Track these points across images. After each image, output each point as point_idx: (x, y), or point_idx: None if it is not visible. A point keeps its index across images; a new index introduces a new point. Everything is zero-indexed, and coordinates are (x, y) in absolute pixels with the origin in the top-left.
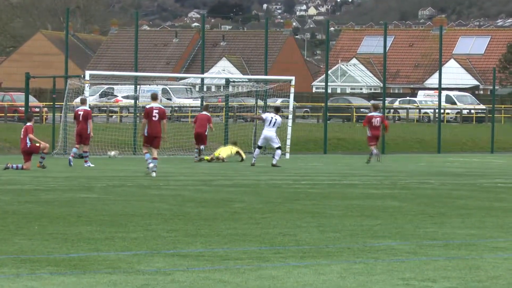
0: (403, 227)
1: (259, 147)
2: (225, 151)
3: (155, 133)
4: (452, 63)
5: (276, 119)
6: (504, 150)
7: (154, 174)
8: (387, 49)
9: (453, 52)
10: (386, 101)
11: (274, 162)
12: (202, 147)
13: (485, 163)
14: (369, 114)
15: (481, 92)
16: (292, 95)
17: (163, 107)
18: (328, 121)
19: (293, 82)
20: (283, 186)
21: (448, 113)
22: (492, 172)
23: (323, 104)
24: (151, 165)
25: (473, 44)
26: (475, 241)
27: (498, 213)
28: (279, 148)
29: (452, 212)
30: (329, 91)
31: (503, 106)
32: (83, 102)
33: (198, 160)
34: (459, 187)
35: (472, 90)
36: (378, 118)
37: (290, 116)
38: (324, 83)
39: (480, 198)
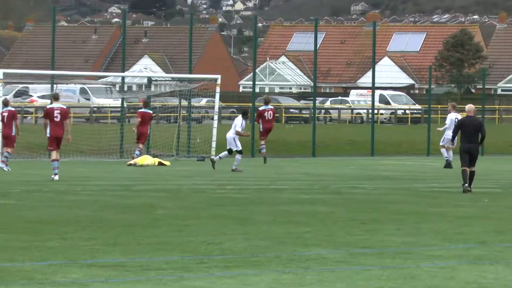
0: (334, 234)
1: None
2: (148, 161)
3: (58, 134)
4: (386, 61)
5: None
6: (440, 153)
7: (56, 177)
8: (318, 46)
9: (387, 50)
10: (316, 101)
11: (234, 167)
12: (140, 147)
13: (420, 166)
14: (261, 109)
15: (417, 91)
16: (217, 95)
17: (65, 107)
18: (256, 123)
19: (219, 81)
20: (207, 191)
21: (382, 114)
22: (428, 176)
23: (250, 104)
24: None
25: (408, 41)
26: (410, 249)
27: (434, 218)
28: (240, 152)
29: (385, 218)
30: (257, 90)
31: (439, 106)
32: (6, 103)
33: (133, 163)
34: (393, 191)
35: (407, 89)
36: (270, 112)
37: (216, 117)
38: (251, 82)
39: (415, 203)
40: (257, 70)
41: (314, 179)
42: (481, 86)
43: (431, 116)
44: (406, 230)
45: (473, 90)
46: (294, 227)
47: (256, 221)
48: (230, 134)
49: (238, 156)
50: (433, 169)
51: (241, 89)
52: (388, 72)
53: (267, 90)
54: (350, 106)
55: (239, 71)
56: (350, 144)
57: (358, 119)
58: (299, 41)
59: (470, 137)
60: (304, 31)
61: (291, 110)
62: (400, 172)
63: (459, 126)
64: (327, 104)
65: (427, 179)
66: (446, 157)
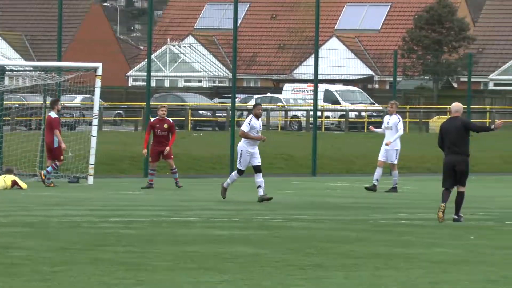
0: (260, 285)
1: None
2: None
3: None
4: (334, 44)
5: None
6: (409, 171)
7: None
8: (239, 22)
9: (335, 28)
10: (237, 100)
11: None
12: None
13: (382, 190)
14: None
15: (377, 85)
16: (98, 91)
17: None
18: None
19: (99, 72)
20: (83, 225)
21: (327, 117)
22: (393, 203)
23: (143, 104)
24: None
25: (365, 15)
26: None
27: (400, 263)
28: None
29: (332, 262)
30: (153, 84)
31: (408, 106)
32: None
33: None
34: (343, 225)
35: (363, 83)
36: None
37: (95, 122)
38: (145, 73)
39: (374, 242)
40: (153, 56)
41: (234, 208)
42: (467, 79)
43: None
44: (361, 279)
45: (455, 84)
46: (204, 275)
47: (153, 267)
48: (241, 144)
49: (233, 174)
50: (400, 194)
51: (130, 83)
52: (336, 59)
53: (167, 84)
54: (284, 106)
55: (127, 57)
56: (283, 160)
57: (294, 125)
58: (212, 15)
59: (453, 146)
60: (219, 1)
61: (200, 112)
62: (354, 198)
63: (440, 133)
64: (251, 103)
65: (391, 208)
66: (376, 179)
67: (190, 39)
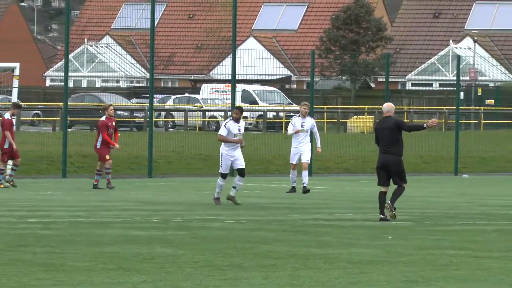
0: (179, 286)
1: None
2: None
3: None
4: (251, 44)
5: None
6: (327, 172)
7: None
8: (156, 22)
9: (253, 28)
10: (154, 100)
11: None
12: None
13: (299, 190)
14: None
15: (294, 86)
16: (15, 91)
17: None
18: (69, 129)
19: (17, 72)
20: (2, 226)
21: (245, 117)
22: (311, 203)
23: (61, 104)
24: None
25: (282, 15)
26: None
27: (319, 263)
28: (222, 175)
29: (251, 263)
30: (71, 84)
31: (325, 106)
32: None
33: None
34: (262, 225)
35: (281, 83)
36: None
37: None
38: (63, 73)
39: (292, 242)
40: (70, 56)
41: (152, 208)
42: (384, 79)
43: (316, 120)
44: (279, 280)
45: (372, 85)
46: (123, 275)
47: (71, 268)
48: (222, 147)
49: (219, 181)
50: (318, 194)
51: (48, 83)
52: (254, 60)
53: (85, 84)
54: (202, 107)
55: (45, 57)
56: (201, 160)
57: (212, 125)
58: (129, 15)
59: (386, 146)
60: (136, 1)
61: (118, 112)
62: (272, 199)
63: (375, 133)
64: (169, 104)
65: (309, 208)
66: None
67: (107, 39)
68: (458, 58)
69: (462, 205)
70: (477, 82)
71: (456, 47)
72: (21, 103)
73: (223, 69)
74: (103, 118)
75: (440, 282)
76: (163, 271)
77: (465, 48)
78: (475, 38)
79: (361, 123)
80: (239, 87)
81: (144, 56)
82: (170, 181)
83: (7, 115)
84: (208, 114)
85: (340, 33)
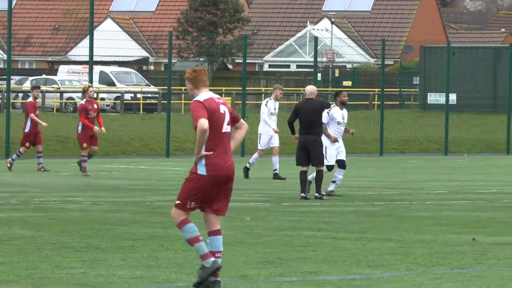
0: (37, 268)
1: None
2: None
3: None
4: (109, 25)
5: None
6: (184, 153)
7: None
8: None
9: (110, 9)
10: (12, 81)
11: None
12: None
13: (158, 172)
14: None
15: (152, 67)
16: None
17: None
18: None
19: None
20: None
21: (103, 99)
22: (168, 185)
23: None
24: None
25: None
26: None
27: (176, 245)
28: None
29: (109, 244)
30: None
31: (183, 88)
32: None
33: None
34: (119, 207)
35: (138, 64)
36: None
37: None
38: None
39: (150, 224)
40: None
41: (11, 190)
42: (242, 61)
43: (172, 102)
44: (137, 261)
45: (230, 66)
46: None
47: None
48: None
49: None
50: (176, 175)
51: None
52: (111, 41)
53: None
54: (59, 88)
55: None
56: (59, 142)
57: (70, 106)
58: None
59: (308, 126)
60: None
61: None
62: (130, 180)
63: (294, 113)
64: (27, 85)
65: (167, 190)
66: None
67: None
68: (316, 39)
69: None
70: (334, 64)
71: (313, 29)
72: None
73: (80, 51)
74: (83, 101)
75: (297, 263)
76: (21, 253)
77: (322, 30)
78: (333, 19)
79: None
80: (97, 69)
81: (1, 37)
82: (25, 164)
83: (29, 99)
84: (66, 95)
85: (198, 14)
